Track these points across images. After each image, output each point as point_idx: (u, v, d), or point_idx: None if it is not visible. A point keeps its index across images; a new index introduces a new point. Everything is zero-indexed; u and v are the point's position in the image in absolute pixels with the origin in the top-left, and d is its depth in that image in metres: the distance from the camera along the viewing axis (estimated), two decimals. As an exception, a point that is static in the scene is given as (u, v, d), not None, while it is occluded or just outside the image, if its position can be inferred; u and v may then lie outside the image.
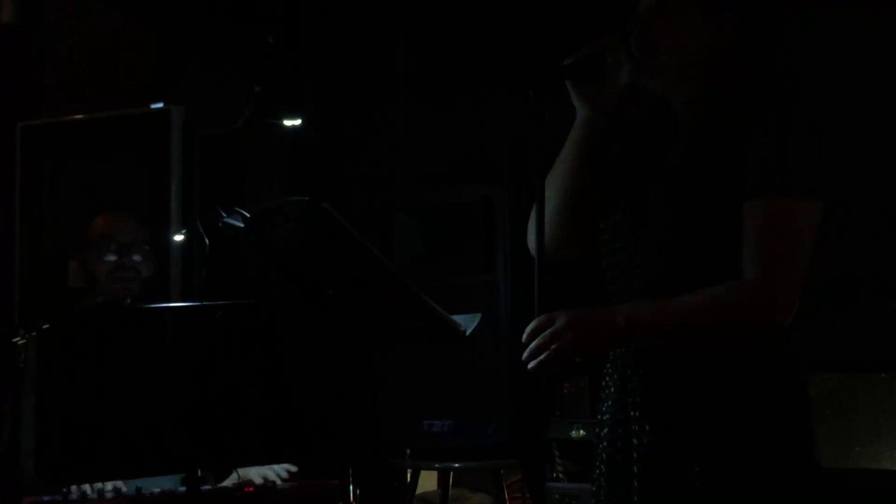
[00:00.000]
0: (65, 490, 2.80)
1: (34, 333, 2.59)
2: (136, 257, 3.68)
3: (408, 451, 4.20)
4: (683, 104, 2.30)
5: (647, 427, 2.23)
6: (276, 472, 3.17)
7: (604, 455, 2.33)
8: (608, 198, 2.34)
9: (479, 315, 2.53)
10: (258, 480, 3.10)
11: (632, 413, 2.26)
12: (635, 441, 2.25)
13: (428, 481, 4.53)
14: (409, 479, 4.34)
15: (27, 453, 2.56)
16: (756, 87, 2.23)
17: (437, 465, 4.22)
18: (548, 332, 2.17)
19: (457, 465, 4.15)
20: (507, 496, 4.19)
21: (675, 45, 2.25)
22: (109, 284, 3.65)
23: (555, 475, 3.98)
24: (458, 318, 2.50)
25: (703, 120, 2.26)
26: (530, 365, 2.19)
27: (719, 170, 2.19)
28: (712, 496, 2.17)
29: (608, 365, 2.34)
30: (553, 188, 2.33)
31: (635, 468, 2.24)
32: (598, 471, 2.34)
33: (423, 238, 4.26)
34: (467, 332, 2.50)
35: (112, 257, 3.67)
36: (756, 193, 2.15)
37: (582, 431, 3.86)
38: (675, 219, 2.21)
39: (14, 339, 2.65)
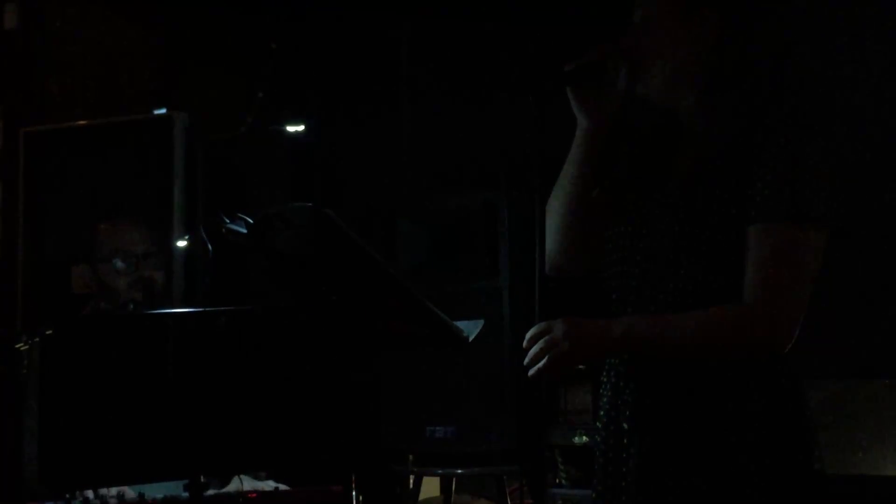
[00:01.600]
0: (68, 496, 2.80)
1: (37, 339, 2.59)
2: (150, 267, 3.69)
3: (410, 458, 4.20)
4: (689, 112, 2.30)
5: (637, 438, 2.23)
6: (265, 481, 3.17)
7: (598, 465, 2.33)
8: (613, 209, 2.33)
9: (483, 321, 2.53)
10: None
11: (623, 425, 2.26)
12: (624, 454, 2.25)
13: (431, 488, 4.53)
14: (411, 486, 4.34)
15: (30, 459, 2.56)
16: (756, 97, 2.22)
17: (439, 472, 4.22)
18: (545, 339, 2.17)
19: (459, 471, 4.15)
20: (509, 502, 4.18)
21: (660, 54, 2.25)
22: (128, 292, 3.66)
23: (557, 481, 3.98)
24: (461, 325, 2.50)
25: (707, 131, 2.25)
26: (530, 372, 2.20)
27: (726, 189, 2.18)
28: None
29: (604, 374, 2.35)
30: (557, 205, 2.32)
31: (623, 482, 2.24)
32: (595, 479, 2.35)
33: (426, 244, 4.26)
34: (470, 339, 2.50)
35: (127, 270, 3.68)
36: (763, 218, 2.14)
37: (584, 437, 3.86)
38: (678, 234, 2.20)
39: (17, 345, 2.65)
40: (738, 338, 2.15)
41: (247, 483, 3.11)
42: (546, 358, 2.17)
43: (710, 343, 2.16)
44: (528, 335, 2.20)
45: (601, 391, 2.35)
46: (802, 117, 2.17)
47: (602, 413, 2.33)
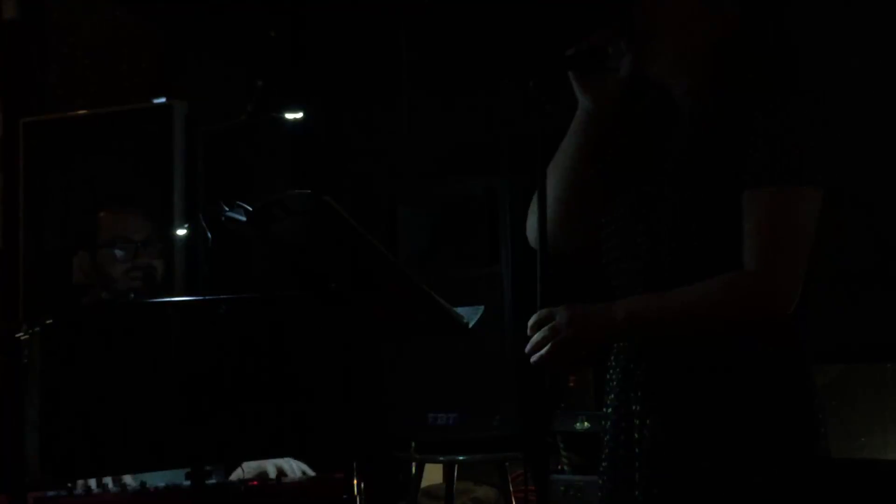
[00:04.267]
0: (69, 485, 2.80)
1: (38, 329, 2.59)
2: (150, 256, 3.68)
3: (413, 445, 4.20)
4: (685, 94, 2.29)
5: (649, 421, 2.23)
6: (291, 465, 3.17)
7: (607, 449, 2.33)
8: (611, 189, 2.33)
9: (483, 307, 2.53)
10: (272, 472, 3.10)
11: (634, 407, 2.26)
12: (637, 435, 2.25)
13: (433, 474, 4.53)
14: (413, 473, 4.34)
15: (32, 449, 2.56)
16: (758, 75, 2.22)
17: (441, 459, 4.22)
18: (547, 327, 2.17)
19: (462, 458, 4.15)
20: (511, 489, 4.18)
21: (674, 32, 2.24)
22: (127, 282, 3.66)
23: (560, 467, 3.98)
24: (461, 311, 2.50)
25: (708, 111, 2.25)
26: (533, 359, 2.19)
27: (723, 162, 2.18)
28: (715, 491, 2.17)
29: (611, 357, 2.34)
30: (554, 179, 2.32)
31: (637, 463, 2.24)
32: (603, 465, 2.34)
33: (427, 231, 4.26)
34: (470, 325, 2.50)
35: (127, 258, 3.67)
36: (757, 183, 2.14)
37: (587, 423, 3.85)
38: (679, 211, 2.20)
39: (18, 335, 2.65)
40: (739, 303, 2.15)
41: (269, 464, 3.12)
42: (549, 346, 2.17)
43: (713, 312, 2.16)
44: (530, 323, 2.20)
45: (608, 375, 2.34)
46: (794, 82, 2.17)
47: (612, 396, 2.32)
